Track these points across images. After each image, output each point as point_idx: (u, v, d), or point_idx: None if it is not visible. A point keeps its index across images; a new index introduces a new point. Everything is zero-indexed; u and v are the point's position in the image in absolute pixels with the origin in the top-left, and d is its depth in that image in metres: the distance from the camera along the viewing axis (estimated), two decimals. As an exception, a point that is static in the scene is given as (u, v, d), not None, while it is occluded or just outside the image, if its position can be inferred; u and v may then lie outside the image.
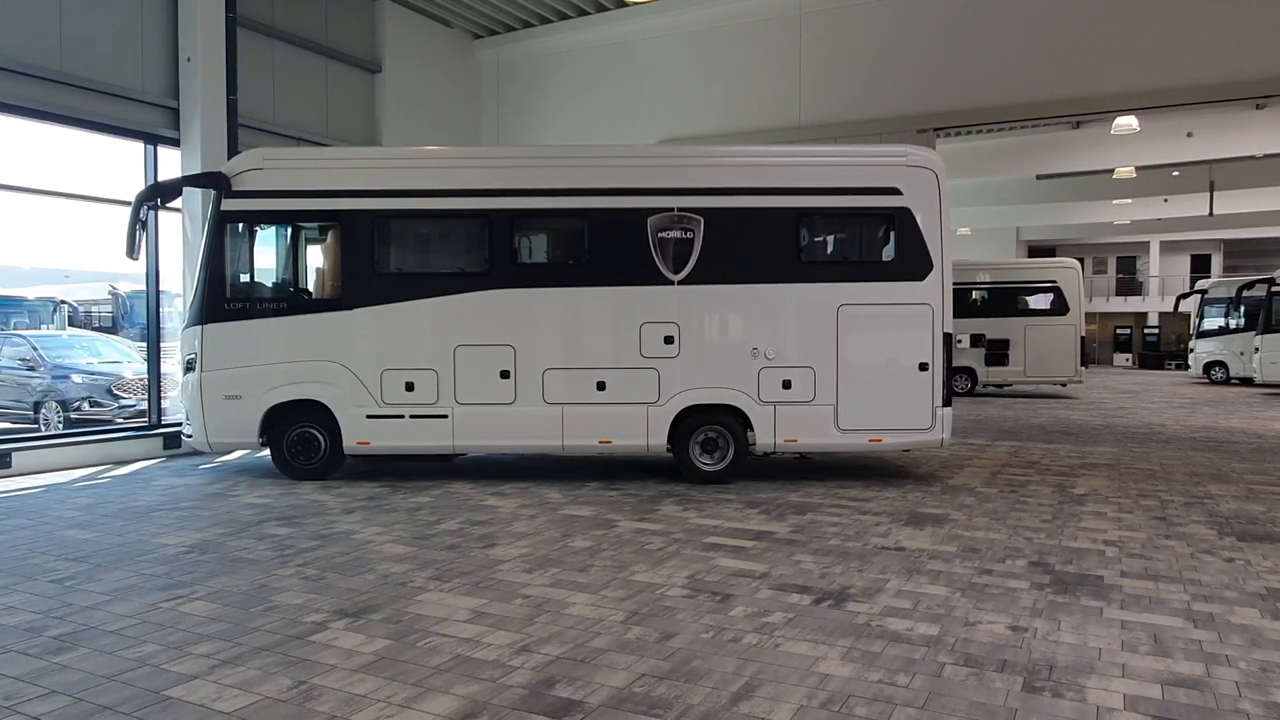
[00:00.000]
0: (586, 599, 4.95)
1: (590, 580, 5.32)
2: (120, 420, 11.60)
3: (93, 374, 12.23)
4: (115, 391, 11.98)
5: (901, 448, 8.98)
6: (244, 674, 3.88)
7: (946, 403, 8.49)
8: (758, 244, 8.51)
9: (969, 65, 12.29)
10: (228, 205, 8.61)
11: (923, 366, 8.44)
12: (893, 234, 8.53)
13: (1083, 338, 20.19)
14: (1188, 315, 30.73)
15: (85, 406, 11.90)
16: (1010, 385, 21.02)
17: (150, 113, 10.51)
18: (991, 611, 4.76)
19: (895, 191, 8.45)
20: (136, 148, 10.61)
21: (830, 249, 9.17)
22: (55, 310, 14.18)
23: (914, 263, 8.45)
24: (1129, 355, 38.34)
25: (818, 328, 8.47)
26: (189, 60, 10.59)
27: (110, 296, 14.39)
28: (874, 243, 8.84)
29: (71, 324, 14.19)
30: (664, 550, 6.05)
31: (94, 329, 14.35)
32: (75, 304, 14.43)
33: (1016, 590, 5.15)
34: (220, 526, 6.75)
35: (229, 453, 10.34)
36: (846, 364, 8.44)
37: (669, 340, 8.48)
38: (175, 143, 10.70)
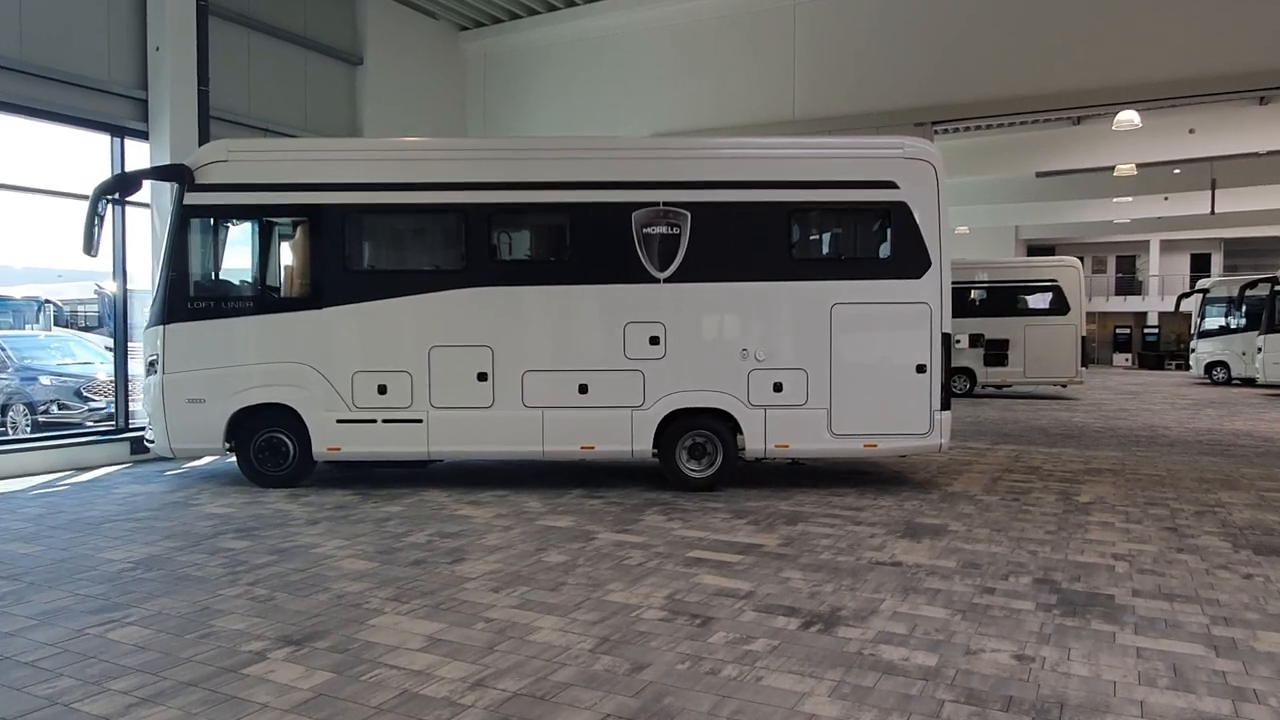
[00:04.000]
0: (554, 623, 4.56)
1: (561, 601, 4.93)
2: (90, 424, 11.18)
3: (62, 375, 11.81)
4: (85, 394, 11.56)
5: (898, 453, 8.58)
6: (162, 715, 3.48)
7: (945, 406, 8.10)
8: (748, 240, 8.10)
9: (967, 57, 11.92)
10: (190, 199, 8.20)
11: (920, 368, 8.05)
12: (889, 230, 8.13)
13: (1083, 338, 19.82)
14: (1188, 315, 30.37)
15: (54, 409, 11.49)
16: (1009, 386, 20.64)
17: (117, 104, 10.09)
18: (995, 638, 4.37)
19: (891, 185, 8.05)
20: (103, 140, 10.19)
21: (824, 245, 8.78)
22: (40, 310, 13.77)
23: (911, 260, 8.05)
24: (1128, 355, 37.98)
25: (811, 328, 8.07)
26: (158, 49, 10.17)
27: (96, 296, 13.99)
28: (869, 239, 8.45)
29: (57, 324, 13.78)
30: (643, 566, 5.65)
31: (80, 329, 13.96)
32: (60, 303, 14.04)
33: (1021, 612, 4.76)
34: (173, 539, 6.34)
35: (196, 458, 9.93)
36: (841, 366, 8.05)
37: (654, 341, 8.08)
38: (144, 135, 10.28)
